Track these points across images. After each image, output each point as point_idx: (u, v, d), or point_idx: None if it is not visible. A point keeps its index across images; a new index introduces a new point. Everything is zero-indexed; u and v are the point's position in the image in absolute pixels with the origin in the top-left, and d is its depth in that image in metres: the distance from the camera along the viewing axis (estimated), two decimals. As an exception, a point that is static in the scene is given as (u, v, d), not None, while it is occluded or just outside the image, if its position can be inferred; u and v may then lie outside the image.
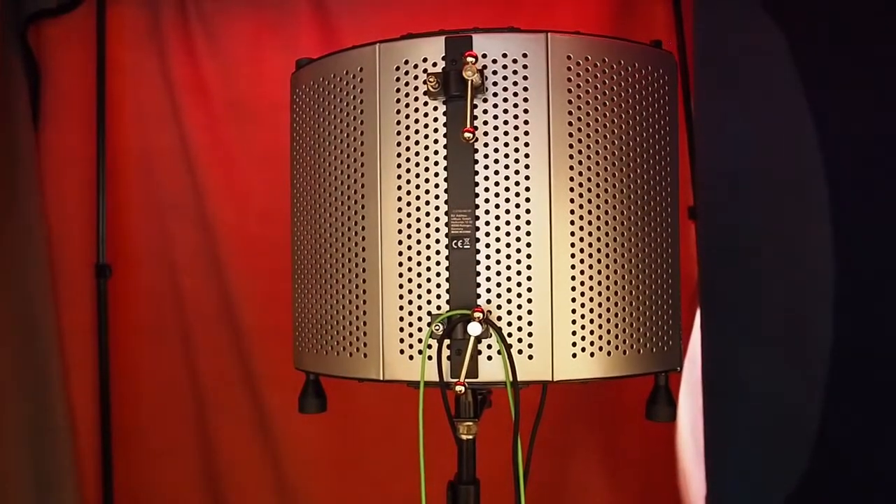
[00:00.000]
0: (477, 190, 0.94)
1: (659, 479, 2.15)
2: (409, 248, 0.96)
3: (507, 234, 0.94)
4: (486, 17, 2.01)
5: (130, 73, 2.19)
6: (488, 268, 0.94)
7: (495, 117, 0.94)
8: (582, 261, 0.95)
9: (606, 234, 0.96)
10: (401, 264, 0.96)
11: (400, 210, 0.96)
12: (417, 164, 0.95)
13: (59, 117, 2.14)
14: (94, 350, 2.14)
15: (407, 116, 0.96)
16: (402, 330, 0.96)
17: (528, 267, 0.94)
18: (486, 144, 0.94)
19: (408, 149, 0.96)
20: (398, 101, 0.96)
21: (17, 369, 2.00)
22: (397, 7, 2.14)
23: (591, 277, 0.95)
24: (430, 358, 0.94)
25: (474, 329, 0.91)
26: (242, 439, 2.19)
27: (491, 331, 0.93)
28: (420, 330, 0.95)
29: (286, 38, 2.17)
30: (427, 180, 0.95)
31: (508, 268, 0.94)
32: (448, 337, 0.93)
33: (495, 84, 0.94)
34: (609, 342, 0.96)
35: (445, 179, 0.95)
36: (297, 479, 2.19)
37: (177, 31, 2.18)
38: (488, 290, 0.94)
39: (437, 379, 0.93)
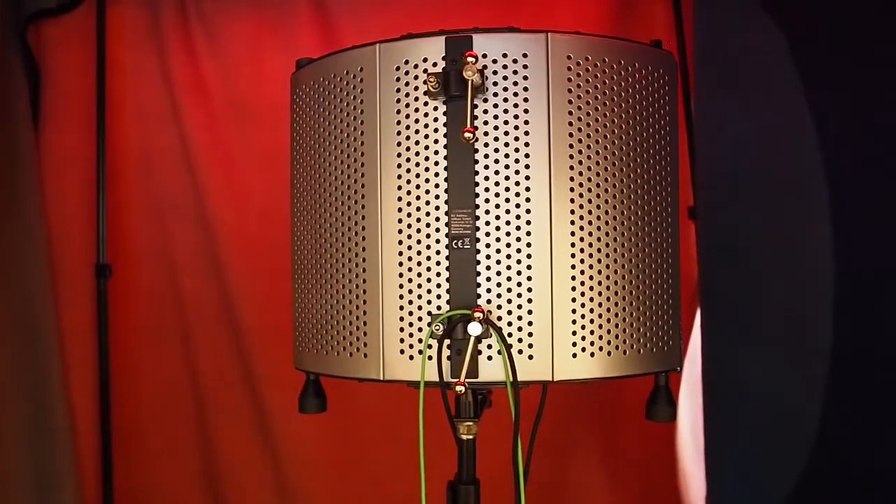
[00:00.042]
0: (477, 190, 0.94)
1: (659, 479, 2.15)
2: (410, 248, 0.96)
3: (508, 234, 0.94)
4: (486, 17, 2.01)
5: (130, 73, 2.19)
6: (488, 268, 0.94)
7: (495, 117, 0.94)
8: (582, 261, 0.95)
9: (606, 234, 0.96)
10: (401, 264, 0.96)
11: (400, 210, 0.96)
12: (417, 164, 0.95)
13: (59, 117, 2.14)
14: (94, 350, 2.14)
15: (407, 116, 0.96)
16: (402, 330, 0.96)
17: (529, 267, 0.94)
18: (486, 144, 0.94)
19: (408, 149, 0.96)
20: (398, 101, 0.96)
21: (17, 369, 2.00)
22: (397, 7, 2.14)
23: (591, 277, 0.95)
24: (430, 358, 0.94)
25: (474, 329, 0.91)
26: (242, 439, 2.19)
27: (491, 331, 0.93)
28: (420, 330, 0.95)
29: (286, 38, 2.17)
30: (427, 180, 0.95)
31: (508, 268, 0.94)
32: (448, 337, 0.93)
33: (495, 84, 0.94)
34: (609, 342, 0.96)
35: (445, 179, 0.95)
36: (297, 479, 2.19)
37: (177, 31, 2.18)
38: (488, 290, 0.94)
39: (437, 379, 0.93)
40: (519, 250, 0.94)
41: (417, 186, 0.95)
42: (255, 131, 2.16)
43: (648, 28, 2.12)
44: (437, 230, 0.95)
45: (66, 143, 2.14)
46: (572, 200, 0.95)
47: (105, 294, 2.14)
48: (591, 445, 2.22)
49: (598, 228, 0.96)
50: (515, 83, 0.94)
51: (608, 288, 0.96)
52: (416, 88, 0.96)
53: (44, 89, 2.13)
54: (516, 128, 0.94)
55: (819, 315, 1.30)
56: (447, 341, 0.93)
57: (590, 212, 0.95)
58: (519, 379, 0.92)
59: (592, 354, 0.95)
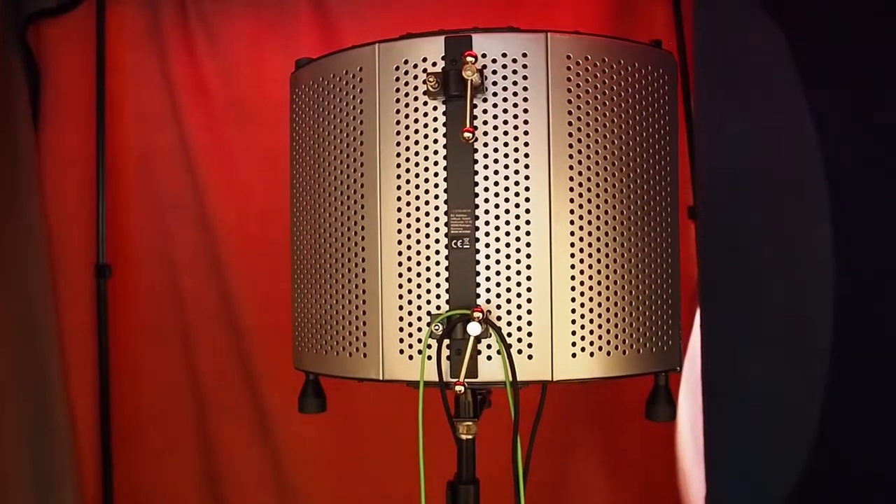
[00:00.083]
0: (477, 190, 0.94)
1: (659, 479, 2.15)
2: (409, 247, 0.96)
3: (507, 233, 0.94)
4: (485, 16, 2.01)
5: (130, 73, 2.19)
6: (488, 267, 0.94)
7: (495, 117, 0.94)
8: (582, 260, 0.95)
9: (606, 233, 0.96)
10: (400, 264, 0.96)
11: (399, 210, 0.96)
12: (417, 164, 0.95)
13: (59, 117, 2.14)
14: (94, 350, 2.14)
15: (406, 116, 0.96)
16: (401, 330, 0.96)
17: (528, 267, 0.94)
18: (485, 144, 0.94)
19: (407, 149, 0.96)
20: (398, 100, 0.96)
21: (17, 369, 2.00)
22: (397, 7, 2.14)
23: (590, 277, 0.95)
24: (429, 358, 0.94)
25: (474, 329, 0.91)
26: (242, 439, 2.19)
27: (490, 331, 0.93)
28: (420, 330, 0.95)
29: (286, 38, 2.17)
30: (427, 180, 0.95)
31: (508, 267, 0.94)
32: (448, 337, 0.93)
33: (495, 84, 0.94)
34: (609, 342, 0.96)
35: (445, 179, 0.95)
36: (297, 479, 2.19)
37: (177, 31, 2.18)
38: (488, 290, 0.94)
39: (436, 379, 0.93)
40: (518, 250, 0.94)
41: (417, 186, 0.95)
42: (255, 131, 2.16)
43: (648, 28, 2.12)
44: (437, 230, 0.95)
45: (66, 143, 2.14)
46: (572, 200, 0.95)
47: (105, 294, 2.14)
48: (591, 445, 2.22)
49: (598, 228, 0.96)
50: (515, 83, 0.94)
51: (608, 288, 0.96)
52: (416, 88, 0.96)
53: (44, 89, 2.13)
54: (516, 128, 0.94)
55: (819, 315, 1.30)
56: (447, 341, 0.93)
57: (589, 211, 0.95)
58: (518, 379, 0.92)
59: (592, 354, 0.95)
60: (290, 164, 1.12)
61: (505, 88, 0.94)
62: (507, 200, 0.94)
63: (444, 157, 0.95)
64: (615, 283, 0.97)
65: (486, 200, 0.94)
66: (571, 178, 0.95)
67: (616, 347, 0.97)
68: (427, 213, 0.95)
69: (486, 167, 0.94)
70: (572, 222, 0.95)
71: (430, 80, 0.94)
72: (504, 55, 0.94)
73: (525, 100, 0.94)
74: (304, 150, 1.07)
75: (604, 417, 2.20)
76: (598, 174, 0.96)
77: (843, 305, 1.27)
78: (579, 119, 0.95)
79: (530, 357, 0.94)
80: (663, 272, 1.02)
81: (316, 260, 1.04)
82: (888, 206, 1.21)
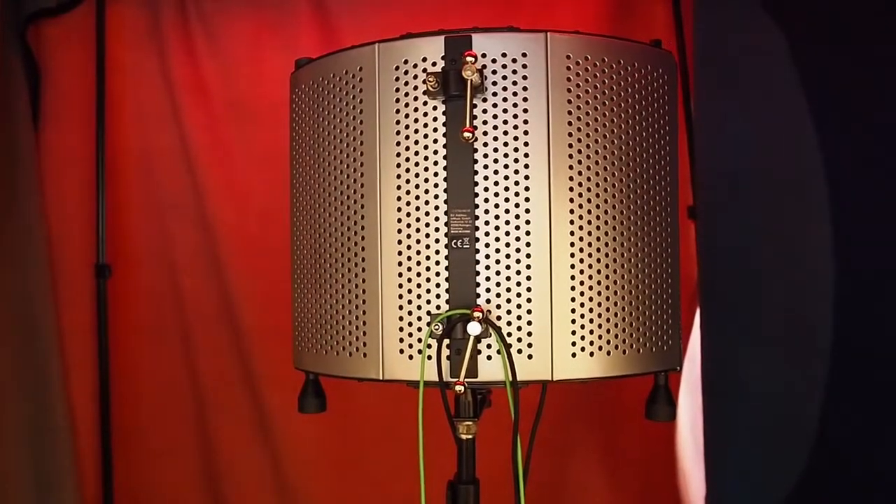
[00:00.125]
0: (476, 189, 0.94)
1: (659, 479, 2.15)
2: (409, 247, 0.96)
3: (507, 233, 0.94)
4: (485, 16, 2.01)
5: (130, 73, 2.19)
6: (488, 267, 0.94)
7: (495, 117, 0.94)
8: (581, 260, 0.95)
9: (606, 233, 0.96)
10: (400, 264, 0.96)
11: (399, 210, 0.96)
12: (417, 164, 0.95)
13: (59, 117, 2.14)
14: (94, 350, 2.14)
15: (406, 116, 0.96)
16: (401, 329, 0.96)
17: (528, 266, 0.94)
18: (485, 144, 0.94)
19: (407, 148, 0.96)
20: (398, 100, 0.96)
21: (17, 369, 2.00)
22: (397, 7, 2.14)
23: (590, 277, 0.95)
24: (429, 357, 0.94)
25: (474, 329, 0.91)
26: (242, 439, 2.19)
27: (490, 330, 0.93)
28: (420, 329, 0.95)
29: (286, 38, 2.17)
30: (427, 180, 0.95)
31: (508, 267, 0.94)
32: (448, 336, 0.93)
33: (495, 84, 0.94)
34: (609, 342, 0.96)
35: (445, 179, 0.95)
36: (297, 479, 2.19)
37: (177, 31, 2.18)
38: (488, 290, 0.94)
39: (436, 378, 0.93)
40: (518, 250, 0.94)
41: (417, 186, 0.95)
42: (255, 131, 2.16)
43: (648, 28, 2.12)
44: (437, 230, 0.95)
45: (66, 143, 2.14)
46: (572, 200, 0.95)
47: (105, 294, 2.14)
48: (591, 445, 2.22)
49: (598, 228, 0.96)
50: (515, 83, 0.94)
51: (607, 287, 0.96)
52: (416, 88, 0.96)
53: (44, 89, 2.13)
54: (516, 127, 0.94)
55: (819, 315, 1.30)
56: (446, 341, 0.93)
57: (589, 211, 0.95)
58: (518, 378, 0.92)
59: (592, 354, 0.95)
60: (289, 164, 1.12)
61: (505, 88, 0.94)
62: (506, 200, 0.94)
63: (444, 157, 0.95)
64: (615, 282, 0.97)
65: (486, 200, 0.94)
66: (571, 178, 0.95)
67: (616, 347, 0.97)
68: (427, 213, 0.95)
69: (485, 167, 0.94)
70: (572, 222, 0.95)
71: (430, 79, 0.94)
72: (504, 55, 0.94)
73: (525, 100, 0.94)
74: (303, 150, 1.07)
75: (604, 417, 2.20)
76: (597, 174, 0.96)
77: (843, 305, 1.27)
78: (579, 119, 0.95)
79: (530, 357, 0.94)
80: (663, 272, 1.02)
81: (316, 260, 1.04)
82: (888, 206, 1.22)
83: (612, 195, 0.97)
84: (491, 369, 0.93)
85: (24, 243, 2.02)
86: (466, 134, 0.92)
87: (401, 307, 0.96)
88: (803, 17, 1.33)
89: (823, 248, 1.29)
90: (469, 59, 0.92)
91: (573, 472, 2.21)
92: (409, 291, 0.95)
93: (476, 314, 0.91)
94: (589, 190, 0.95)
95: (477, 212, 0.94)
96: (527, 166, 0.94)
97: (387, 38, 0.98)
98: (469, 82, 0.91)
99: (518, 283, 0.94)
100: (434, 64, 0.95)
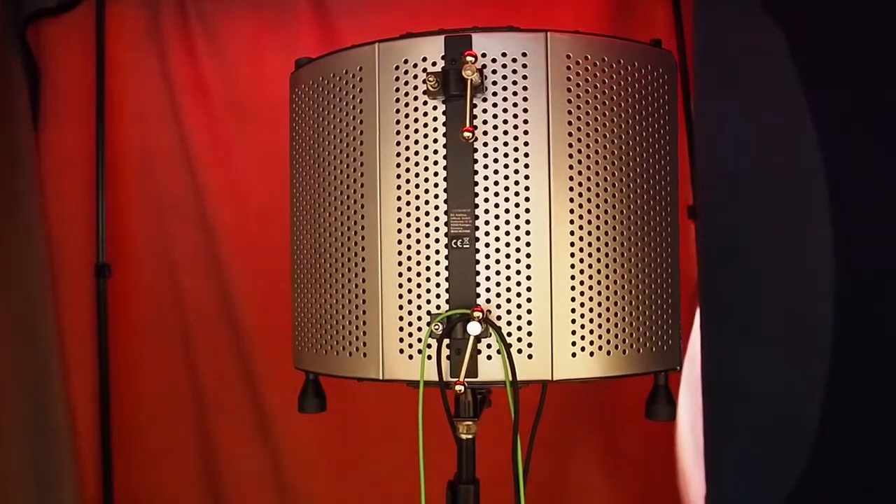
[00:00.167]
0: (476, 189, 0.94)
1: (659, 479, 2.15)
2: (409, 247, 0.96)
3: (507, 233, 0.94)
4: (485, 16, 2.01)
5: (130, 72, 2.19)
6: (488, 267, 0.94)
7: (495, 116, 0.94)
8: (581, 260, 0.95)
9: (606, 233, 0.96)
10: (400, 263, 0.96)
11: (399, 209, 0.96)
12: (417, 164, 0.95)
13: (59, 117, 2.14)
14: (94, 350, 2.14)
15: (406, 116, 0.96)
16: (401, 329, 0.96)
17: (528, 266, 0.94)
18: (485, 144, 0.94)
19: (407, 148, 0.96)
20: (397, 100, 0.96)
21: (17, 369, 2.00)
22: (397, 7, 2.14)
23: (590, 277, 0.95)
24: (429, 357, 0.94)
25: (474, 328, 0.91)
26: (242, 439, 2.19)
27: (490, 330, 0.93)
28: (419, 329, 0.95)
29: (286, 38, 2.17)
30: (426, 180, 0.95)
31: (508, 267, 0.94)
32: (447, 336, 0.93)
33: (495, 83, 0.94)
34: (609, 341, 0.96)
35: (445, 179, 0.95)
36: (297, 479, 2.19)
37: (177, 31, 2.18)
38: (488, 290, 0.94)
39: (436, 378, 0.93)
40: (518, 249, 0.94)
41: (417, 186, 0.95)
42: (255, 131, 2.16)
43: (648, 28, 2.12)
44: (437, 229, 0.95)
45: (66, 143, 2.14)
46: (572, 200, 0.95)
47: (105, 294, 2.14)
48: (591, 445, 2.22)
49: (598, 228, 0.96)
50: (515, 82, 0.94)
51: (607, 287, 0.96)
52: (416, 88, 0.96)
53: (44, 89, 2.13)
54: (516, 127, 0.94)
55: (819, 315, 1.30)
56: (446, 341, 0.93)
57: (589, 211, 0.95)
58: (518, 378, 0.92)
59: (592, 354, 0.95)
60: (289, 164, 1.12)
61: (505, 88, 0.94)
62: (506, 200, 0.94)
63: (444, 157, 0.95)
64: (615, 282, 0.97)
65: (486, 200, 0.94)
66: (571, 178, 0.95)
67: (616, 347, 0.97)
68: (427, 213, 0.95)
69: (485, 167, 0.94)
70: (572, 222, 0.95)
71: (430, 79, 0.94)
72: (504, 55, 0.94)
73: (525, 99, 0.94)
74: (303, 149, 1.07)
75: (604, 417, 2.20)
76: (597, 174, 0.96)
77: (843, 305, 1.27)
78: (579, 119, 0.95)
79: (530, 357, 0.94)
80: (663, 272, 1.02)
81: (316, 259, 1.04)
82: (888, 206, 1.21)
83: (612, 195, 0.97)
84: (491, 369, 0.93)
85: (24, 243, 2.02)
86: (466, 134, 0.92)
87: (401, 307, 0.96)
88: (803, 17, 1.33)
89: (823, 248, 1.29)
90: (469, 58, 0.92)
91: (573, 472, 2.21)
92: (409, 291, 0.95)
93: (476, 314, 0.91)
94: (589, 190, 0.95)
95: (477, 211, 0.94)
96: (527, 166, 0.94)
97: (387, 37, 0.98)
98: (469, 82, 0.91)
99: (518, 283, 0.94)
100: (434, 64, 0.95)
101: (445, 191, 0.94)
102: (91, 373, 2.13)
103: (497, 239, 0.94)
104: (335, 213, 1.01)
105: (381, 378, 0.97)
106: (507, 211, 0.94)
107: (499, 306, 0.94)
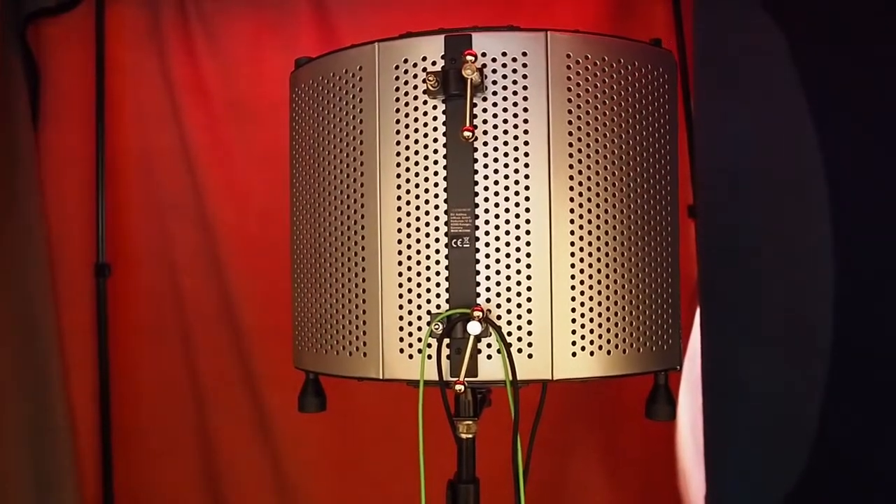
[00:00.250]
0: (476, 189, 0.94)
1: (659, 478, 2.15)
2: (409, 246, 0.95)
3: (507, 232, 0.94)
4: (485, 16, 2.01)
5: (130, 72, 2.19)
6: (488, 266, 0.94)
7: (495, 116, 0.94)
8: (581, 259, 0.95)
9: (606, 232, 0.96)
10: (400, 263, 0.96)
11: (399, 209, 0.96)
12: (417, 163, 0.95)
13: (59, 117, 2.14)
14: (94, 350, 2.14)
15: (406, 115, 0.96)
16: (401, 329, 0.96)
17: (528, 266, 0.94)
18: (485, 143, 0.94)
19: (407, 147, 0.96)
20: (397, 99, 0.96)
21: (17, 369, 2.00)
22: (397, 6, 2.15)
23: (590, 276, 0.95)
24: (429, 357, 0.94)
25: (474, 328, 0.91)
26: (242, 439, 2.19)
27: (490, 330, 0.93)
28: (420, 329, 0.95)
29: (286, 38, 2.17)
30: (426, 179, 0.95)
31: (508, 266, 0.94)
32: (448, 336, 0.93)
33: (495, 83, 0.94)
34: (609, 341, 0.96)
35: (445, 178, 0.95)
36: (297, 479, 2.19)
37: (177, 31, 2.18)
38: (488, 289, 0.94)
39: (436, 378, 0.93)
40: (518, 249, 0.94)
41: (417, 185, 0.95)
42: (255, 131, 2.16)
43: (648, 28, 2.12)
44: (437, 229, 0.95)
45: (66, 143, 2.14)
46: (572, 199, 0.95)
47: (105, 294, 2.14)
48: (591, 444, 2.22)
49: (598, 227, 0.96)
50: (515, 82, 0.94)
51: (608, 287, 0.96)
52: (416, 87, 0.96)
53: (43, 89, 2.13)
54: (516, 126, 0.94)
55: (819, 315, 1.30)
56: (447, 340, 0.93)
57: (589, 210, 0.95)
58: (518, 378, 0.92)
59: (592, 353, 0.95)
60: (289, 163, 1.12)
61: (505, 87, 0.94)
62: (506, 199, 0.94)
63: (444, 157, 0.95)
64: (615, 281, 0.97)
65: (486, 199, 0.94)
66: (571, 177, 0.95)
67: (616, 346, 0.97)
68: (427, 213, 0.95)
69: (485, 166, 0.94)
70: (572, 221, 0.95)
71: (430, 79, 0.94)
72: (504, 54, 0.94)
73: (525, 99, 0.94)
74: (303, 149, 1.07)
75: (604, 416, 2.20)
76: (597, 173, 0.96)
77: (843, 305, 1.27)
78: (579, 118, 0.95)
79: (530, 356, 0.94)
80: (663, 271, 1.02)
81: (316, 259, 1.04)
82: (888, 206, 1.21)
83: (612, 194, 0.97)
84: (491, 369, 0.93)
85: (24, 243, 2.02)
86: (466, 133, 0.92)
87: (401, 306, 0.96)
88: (803, 17, 1.33)
89: (823, 248, 1.28)
90: (469, 58, 0.92)
91: (573, 472, 2.21)
92: (409, 291, 0.95)
93: (476, 313, 0.91)
94: (589, 189, 0.95)
95: (477, 211, 0.94)
96: (527, 165, 0.94)
97: (386, 37, 0.98)
98: (469, 81, 0.91)
99: (518, 283, 0.94)
100: (434, 63, 0.95)
101: (445, 190, 0.94)
102: (91, 373, 2.13)
103: (497, 238, 0.94)
104: (335, 213, 1.01)
105: (381, 378, 0.97)
106: (507, 210, 0.94)
107: (499, 306, 0.94)
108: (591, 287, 0.95)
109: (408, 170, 0.96)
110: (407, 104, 0.96)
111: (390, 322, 0.96)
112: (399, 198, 0.96)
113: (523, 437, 0.96)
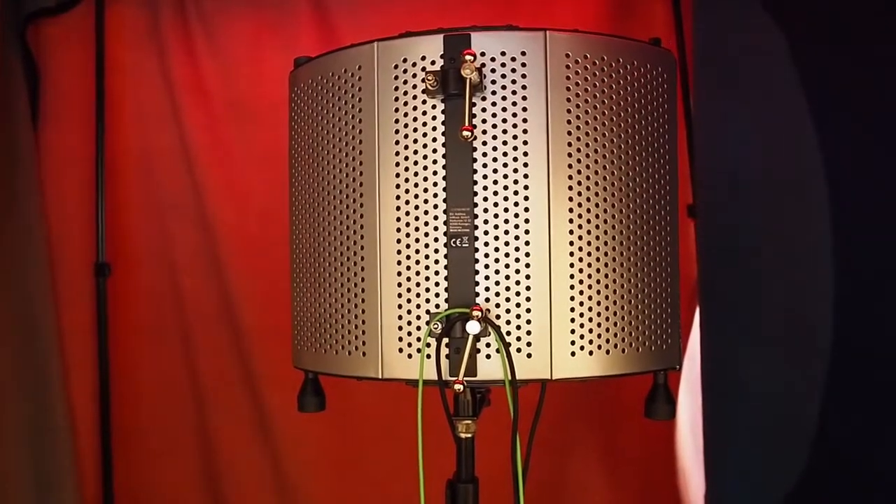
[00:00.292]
0: (476, 188, 0.94)
1: (658, 478, 2.15)
2: (408, 246, 0.95)
3: (506, 232, 0.94)
4: (484, 15, 2.01)
5: (130, 72, 2.19)
6: (487, 266, 0.94)
7: (494, 115, 0.94)
8: (581, 259, 0.95)
9: (605, 232, 0.96)
10: (399, 263, 0.96)
11: (398, 209, 0.96)
12: (416, 163, 0.95)
13: (59, 117, 2.14)
14: (94, 350, 2.14)
15: (405, 115, 0.96)
16: (400, 328, 0.96)
17: (527, 265, 0.94)
18: (484, 143, 0.94)
19: (406, 147, 0.96)
20: (396, 99, 0.96)
21: (17, 369, 2.00)
22: (397, 6, 2.15)
23: (589, 276, 0.95)
24: (428, 356, 0.94)
25: (473, 327, 0.91)
26: (242, 439, 2.19)
27: (489, 329, 0.93)
28: (419, 328, 0.95)
29: (286, 38, 2.17)
30: (426, 179, 0.95)
31: (507, 266, 0.94)
32: (447, 335, 0.93)
33: (494, 82, 0.94)
34: (608, 340, 0.96)
35: (444, 178, 0.94)
36: (297, 479, 2.19)
37: (177, 31, 2.18)
38: (487, 289, 0.94)
39: (435, 377, 0.93)
40: (517, 248, 0.94)
41: (416, 185, 0.95)
42: (255, 131, 2.16)
43: (648, 27, 2.12)
44: (436, 229, 0.95)
45: (66, 143, 2.14)
46: (571, 199, 0.95)
47: (105, 293, 2.14)
48: (591, 444, 2.22)
49: (597, 227, 0.96)
50: (514, 81, 0.94)
51: (607, 286, 0.96)
52: (415, 87, 0.95)
53: (43, 89, 2.13)
54: (515, 126, 0.94)
55: (819, 315, 1.30)
56: (446, 340, 0.93)
57: (588, 210, 0.95)
58: (517, 377, 0.92)
59: (591, 353, 0.95)
60: (289, 163, 1.12)
61: (504, 87, 0.94)
62: (506, 199, 0.94)
63: (443, 156, 0.95)
64: (614, 281, 0.97)
65: (485, 199, 0.94)
66: (570, 177, 0.95)
67: (615, 346, 0.97)
68: (426, 212, 0.95)
69: (485, 166, 0.94)
70: (571, 221, 0.95)
71: (429, 78, 0.93)
72: (503, 53, 0.94)
73: (524, 98, 0.94)
74: (303, 148, 1.07)
75: (603, 416, 2.20)
76: (597, 172, 0.96)
77: (843, 305, 1.27)
78: (578, 117, 0.95)
79: (529, 356, 0.94)
80: (663, 271, 1.02)
81: (315, 258, 1.04)
82: (888, 206, 1.21)
83: (611, 194, 0.97)
84: (490, 368, 0.93)
85: (24, 243, 2.02)
86: (465, 133, 0.92)
87: (400, 306, 0.96)
88: (803, 17, 1.33)
89: (823, 248, 1.28)
90: (468, 57, 0.92)
91: (573, 471, 2.21)
92: (409, 290, 0.95)
93: (475, 313, 0.91)
94: (588, 189, 0.95)
95: (476, 211, 0.94)
96: (526, 165, 0.94)
97: (386, 36, 0.98)
98: (468, 81, 0.91)
99: (517, 282, 0.94)
100: (433, 63, 0.95)
101: (444, 190, 0.94)
102: (91, 373, 2.13)
103: (496, 238, 0.94)
104: (334, 213, 1.01)
105: (380, 377, 0.97)
106: (506, 210, 0.94)
107: (498, 305, 0.94)
108: (590, 286, 0.95)
109: (407, 169, 0.96)
110: (406, 104, 0.96)
111: (389, 321, 0.96)
112: (398, 197, 0.96)
113: (522, 436, 0.96)
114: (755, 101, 1.40)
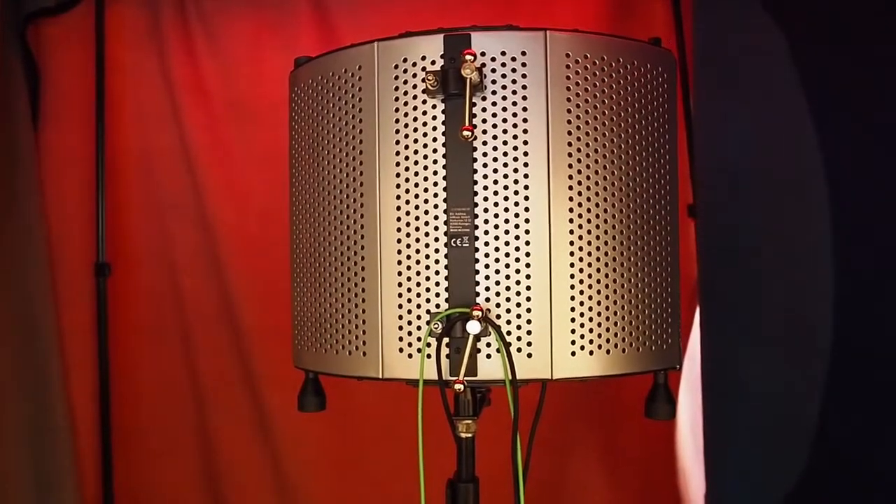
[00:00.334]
0: (476, 188, 0.94)
1: (658, 478, 2.15)
2: (408, 246, 0.95)
3: (507, 232, 0.94)
4: (485, 15, 2.01)
5: (130, 72, 2.19)
6: (487, 266, 0.94)
7: (494, 115, 0.94)
8: (581, 259, 0.95)
9: (605, 231, 0.96)
10: (400, 262, 0.96)
11: (399, 208, 0.96)
12: (416, 163, 0.95)
13: (59, 117, 2.14)
14: (94, 350, 2.14)
15: (405, 115, 0.96)
16: (401, 328, 0.96)
17: (528, 265, 0.94)
18: (484, 143, 0.94)
19: (406, 147, 0.96)
20: (397, 99, 0.96)
21: (17, 369, 2.00)
22: (397, 6, 2.15)
23: (590, 276, 0.95)
24: (429, 356, 0.94)
25: (473, 327, 0.91)
26: (242, 439, 2.19)
27: (490, 329, 0.93)
28: (419, 328, 0.95)
29: (286, 38, 2.18)
30: (426, 178, 0.95)
31: (507, 266, 0.94)
32: (447, 335, 0.93)
33: (494, 82, 0.94)
34: (608, 340, 0.96)
35: (444, 178, 0.94)
36: (297, 479, 2.19)
37: (177, 30, 2.18)
38: (487, 289, 0.94)
39: (436, 377, 0.93)
40: (518, 248, 0.94)
41: (416, 185, 0.95)
42: (255, 131, 2.16)
43: (648, 27, 2.12)
44: (436, 228, 0.95)
45: (66, 143, 2.14)
46: (571, 199, 0.95)
47: (105, 293, 2.14)
48: (591, 443, 2.22)
49: (597, 227, 0.96)
50: (514, 81, 0.94)
51: (607, 286, 0.96)
52: (415, 87, 0.95)
53: (43, 89, 2.13)
54: (515, 126, 0.94)
55: (819, 315, 1.30)
56: (446, 339, 0.93)
57: (589, 210, 0.95)
58: (518, 377, 0.92)
59: (591, 352, 0.95)
60: (289, 163, 1.12)
61: (504, 87, 0.94)
62: (506, 199, 0.94)
63: (444, 156, 0.94)
64: (615, 281, 0.97)
65: (486, 199, 0.94)
66: (571, 177, 0.95)
67: (615, 346, 0.97)
68: (426, 212, 0.95)
69: (485, 165, 0.94)
70: (571, 220, 0.95)
71: (429, 78, 0.93)
72: (503, 53, 0.94)
73: (524, 98, 0.94)
74: (303, 148, 1.07)
75: (603, 416, 2.20)
76: (597, 172, 0.96)
77: (843, 305, 1.27)
78: (578, 117, 0.95)
79: (530, 355, 0.94)
80: (663, 270, 1.02)
81: (315, 258, 1.04)
82: (888, 206, 1.22)
83: (611, 193, 0.97)
84: (490, 368, 0.93)
85: (24, 243, 2.02)
86: (466, 132, 0.92)
87: (400, 306, 0.96)
88: (803, 17, 1.33)
89: (823, 248, 1.29)
90: (468, 57, 0.92)
91: (573, 471, 2.21)
92: (409, 290, 0.95)
93: (475, 313, 0.91)
94: (588, 188, 0.95)
95: (476, 210, 0.94)
96: (526, 165, 0.94)
97: (386, 36, 0.98)
98: (468, 81, 0.91)
99: (517, 282, 0.93)
100: (433, 62, 0.95)
101: (445, 190, 0.94)
102: (91, 373, 2.13)
103: (496, 238, 0.94)
104: (334, 212, 1.01)
105: (380, 377, 0.97)
106: (506, 210, 0.94)
107: (498, 305, 0.94)
108: (590, 286, 0.95)
109: (407, 169, 0.96)
110: (406, 104, 0.96)
111: (390, 321, 0.96)
112: (398, 197, 0.96)
113: (523, 436, 0.96)
114: (755, 101, 1.41)
